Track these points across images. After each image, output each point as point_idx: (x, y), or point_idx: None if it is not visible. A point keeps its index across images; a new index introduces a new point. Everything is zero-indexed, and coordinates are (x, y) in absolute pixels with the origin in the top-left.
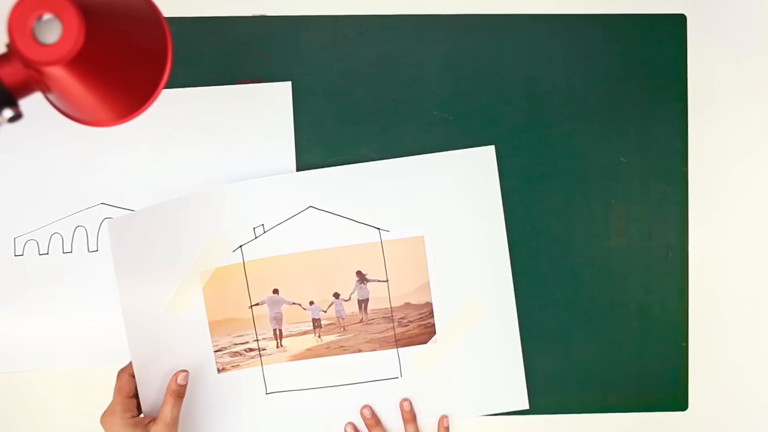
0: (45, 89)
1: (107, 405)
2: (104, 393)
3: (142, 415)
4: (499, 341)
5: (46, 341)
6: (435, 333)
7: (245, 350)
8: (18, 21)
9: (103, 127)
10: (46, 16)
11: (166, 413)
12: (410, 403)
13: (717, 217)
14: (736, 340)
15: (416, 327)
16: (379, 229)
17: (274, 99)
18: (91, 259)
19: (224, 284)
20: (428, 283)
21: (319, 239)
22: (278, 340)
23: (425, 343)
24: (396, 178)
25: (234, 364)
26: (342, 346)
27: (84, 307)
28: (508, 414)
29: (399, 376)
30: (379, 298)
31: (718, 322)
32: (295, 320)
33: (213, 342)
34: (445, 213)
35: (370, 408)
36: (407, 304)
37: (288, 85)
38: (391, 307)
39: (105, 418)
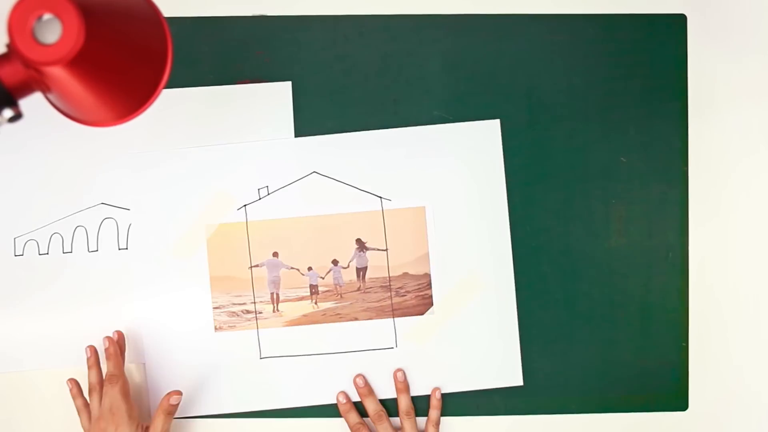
0: (45, 89)
1: None
2: None
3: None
4: (496, 317)
5: (46, 341)
6: (432, 305)
7: (242, 311)
8: (18, 21)
9: (103, 127)
10: (46, 16)
11: (157, 427)
12: (404, 373)
13: (717, 217)
14: (737, 340)
15: (414, 298)
16: (381, 197)
17: (274, 99)
18: (91, 259)
19: (227, 241)
20: (428, 254)
21: (320, 205)
22: (275, 305)
23: (422, 314)
24: (401, 147)
25: (230, 325)
26: (338, 314)
27: (84, 307)
28: (508, 414)
29: (394, 346)
30: (377, 266)
31: (718, 322)
32: (293, 285)
33: (212, 298)
34: (447, 185)
35: (364, 377)
36: (405, 274)
37: (288, 85)
38: (389, 277)
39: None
